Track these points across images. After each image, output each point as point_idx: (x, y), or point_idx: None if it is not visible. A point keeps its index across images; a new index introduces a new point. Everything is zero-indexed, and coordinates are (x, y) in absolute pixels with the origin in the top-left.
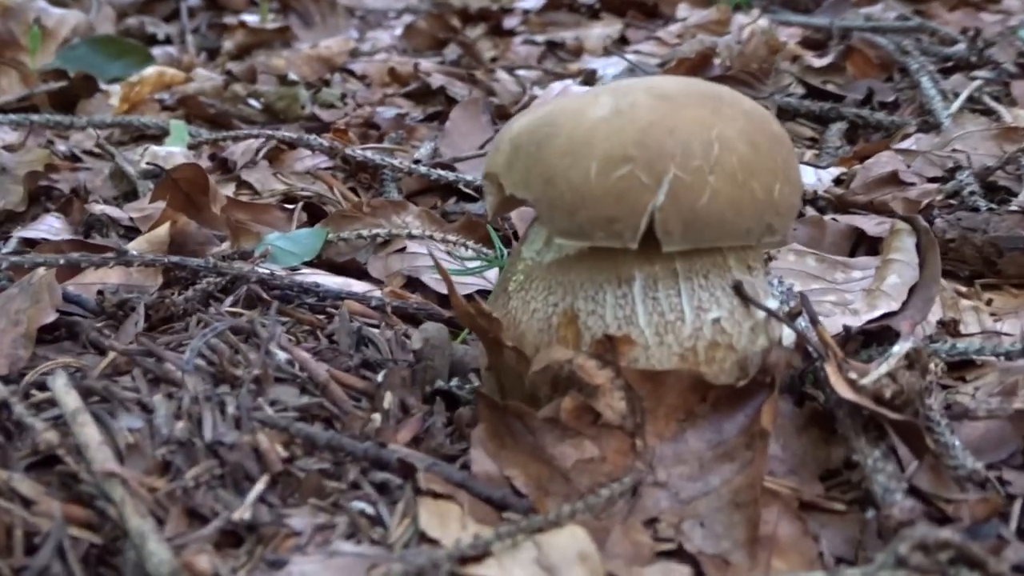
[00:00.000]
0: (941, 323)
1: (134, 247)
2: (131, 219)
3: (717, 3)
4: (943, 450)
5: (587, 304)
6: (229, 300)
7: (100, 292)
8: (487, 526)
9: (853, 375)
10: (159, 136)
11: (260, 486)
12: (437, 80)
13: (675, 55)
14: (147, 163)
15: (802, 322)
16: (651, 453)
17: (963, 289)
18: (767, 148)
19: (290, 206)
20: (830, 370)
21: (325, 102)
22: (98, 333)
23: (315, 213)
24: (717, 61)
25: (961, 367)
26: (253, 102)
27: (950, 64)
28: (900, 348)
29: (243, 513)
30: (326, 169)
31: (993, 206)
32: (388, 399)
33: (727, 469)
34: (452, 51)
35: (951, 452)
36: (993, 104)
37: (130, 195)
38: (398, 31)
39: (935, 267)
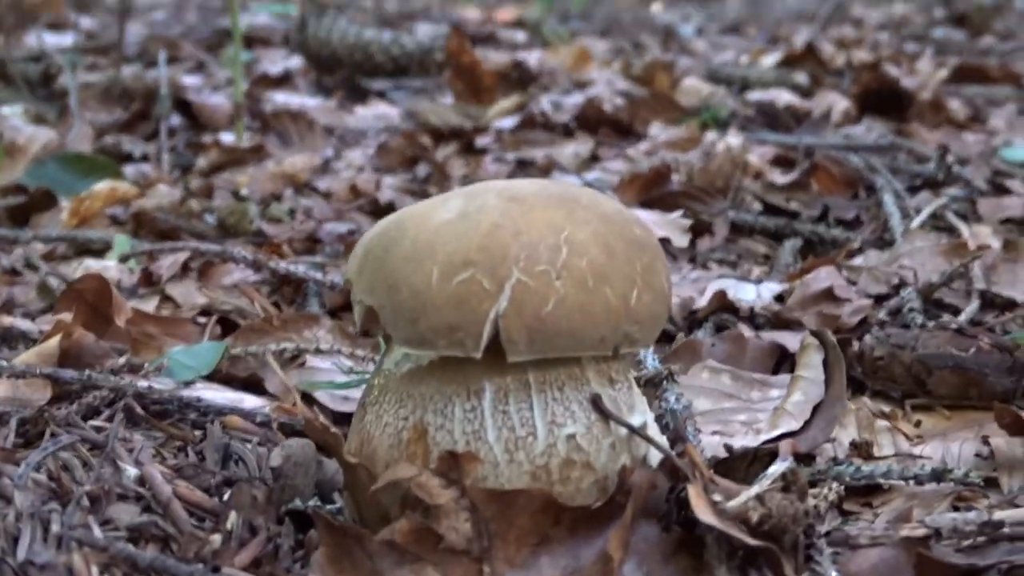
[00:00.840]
0: (853, 444)
1: (21, 359)
2: (40, 332)
3: (685, 122)
4: None
5: (436, 418)
6: (106, 414)
7: None
8: None
9: (718, 497)
10: (104, 250)
11: None
12: (386, 195)
13: (632, 171)
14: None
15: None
16: None
17: (887, 410)
18: (624, 253)
19: (204, 319)
20: (692, 492)
21: (274, 217)
22: None
23: (231, 327)
24: (675, 177)
25: (869, 492)
26: (208, 217)
27: (919, 182)
28: (774, 470)
29: None
30: (253, 283)
31: (929, 323)
32: (232, 519)
33: None
34: (423, 169)
35: None
36: (956, 221)
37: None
38: (372, 150)
39: (840, 385)
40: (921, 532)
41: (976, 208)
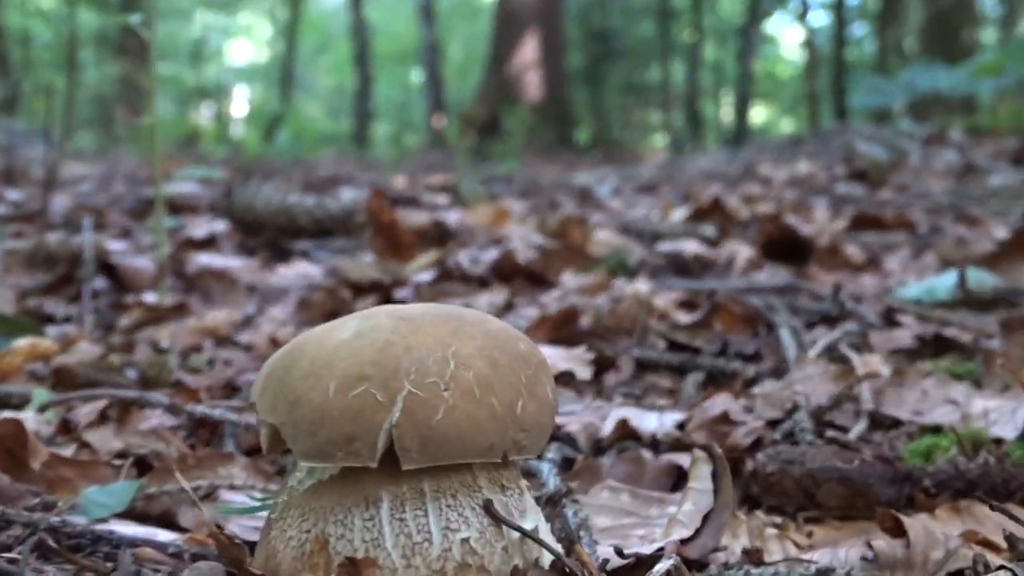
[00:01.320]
0: (745, 551)
1: None
2: None
3: (595, 269)
4: None
5: (336, 528)
6: (17, 549)
7: None
8: None
9: None
10: (22, 404)
11: None
12: None
13: (542, 314)
14: None
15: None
16: None
17: (780, 521)
18: (508, 365)
19: (120, 462)
20: None
21: (193, 368)
22: None
23: (147, 468)
24: (584, 319)
25: None
26: (129, 372)
27: (816, 319)
28: (660, 568)
29: None
30: (170, 428)
31: (817, 441)
32: None
33: None
34: None
35: None
36: (849, 352)
37: None
38: (292, 306)
39: (728, 492)
40: None
41: (868, 340)
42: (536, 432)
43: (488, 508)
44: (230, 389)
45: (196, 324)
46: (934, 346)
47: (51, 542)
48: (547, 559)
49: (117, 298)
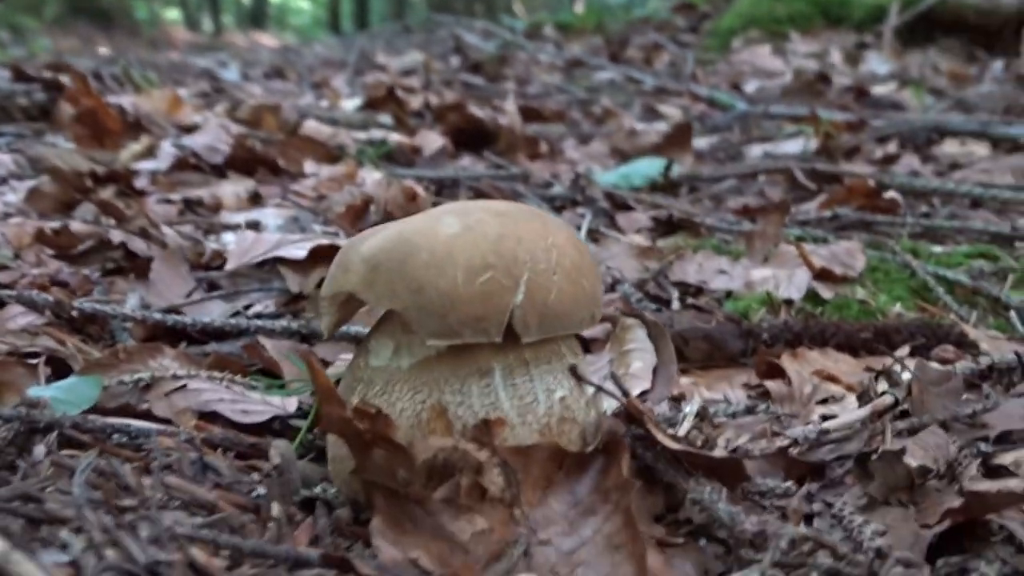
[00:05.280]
0: (672, 398)
1: None
2: None
3: (344, 160)
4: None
5: (454, 397)
6: (40, 448)
7: None
8: None
9: (671, 431)
10: None
11: None
12: (116, 236)
13: (338, 203)
14: None
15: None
16: (527, 518)
17: None
18: (586, 252)
19: (33, 362)
20: (654, 430)
21: None
22: None
23: (57, 368)
24: (372, 208)
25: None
26: None
27: (557, 204)
28: (691, 408)
29: None
30: (48, 325)
31: (660, 307)
32: (276, 509)
33: (593, 522)
34: (83, 212)
35: (754, 481)
36: (609, 232)
37: None
38: (11, 197)
39: (669, 351)
40: (785, 442)
41: (615, 222)
42: (600, 305)
43: (574, 370)
44: (56, 285)
45: None
46: (665, 225)
47: (83, 438)
48: (609, 408)
49: None
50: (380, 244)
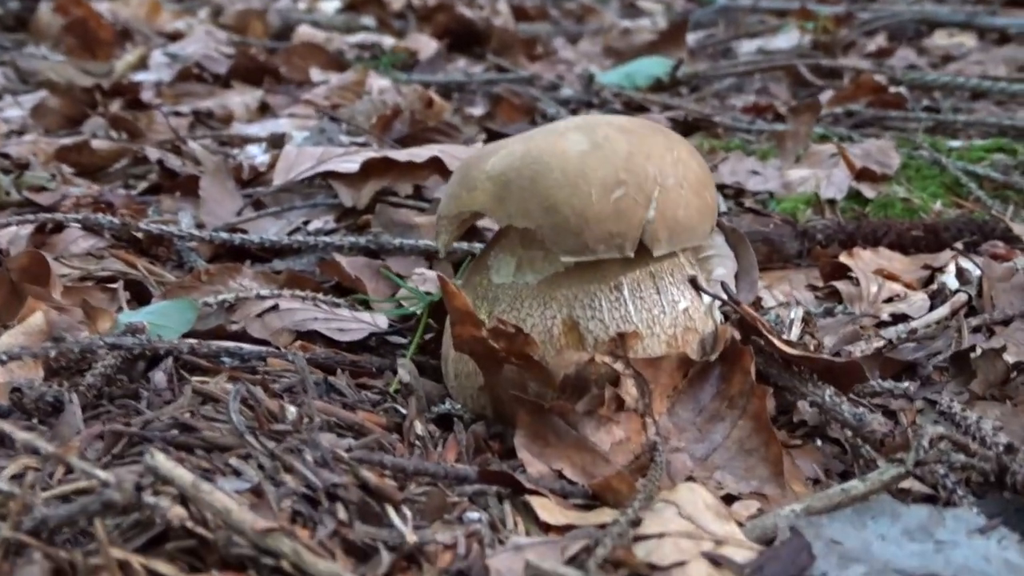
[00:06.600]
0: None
1: (7, 342)
2: None
3: (354, 67)
4: None
5: (585, 311)
6: (160, 375)
7: (17, 390)
8: (573, 512)
9: (784, 338)
10: None
11: (397, 514)
12: (153, 153)
13: (361, 112)
14: None
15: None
16: (659, 427)
17: None
18: (704, 164)
19: (111, 286)
20: (771, 337)
21: (34, 185)
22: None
23: (135, 292)
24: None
25: None
26: None
27: (573, 106)
28: (795, 314)
29: (410, 538)
30: (111, 248)
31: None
32: (420, 427)
33: (722, 427)
34: (91, 126)
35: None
36: None
37: None
38: (12, 112)
39: (751, 255)
40: (881, 343)
41: None
42: (716, 216)
43: (694, 282)
44: (99, 204)
45: None
46: (683, 126)
47: (203, 363)
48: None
49: None
50: (508, 162)
